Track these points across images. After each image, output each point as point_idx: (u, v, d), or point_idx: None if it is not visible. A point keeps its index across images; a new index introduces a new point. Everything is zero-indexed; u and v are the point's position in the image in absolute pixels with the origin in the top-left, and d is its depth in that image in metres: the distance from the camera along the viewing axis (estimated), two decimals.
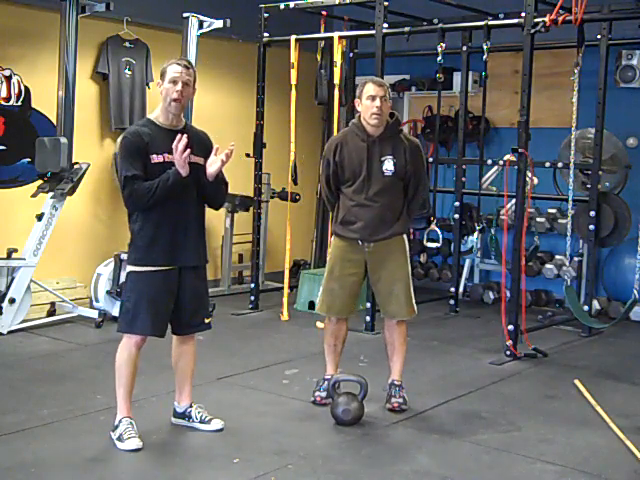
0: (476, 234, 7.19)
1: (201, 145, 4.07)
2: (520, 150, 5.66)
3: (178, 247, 3.98)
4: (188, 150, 3.84)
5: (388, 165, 4.46)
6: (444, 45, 6.40)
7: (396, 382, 4.62)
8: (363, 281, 4.68)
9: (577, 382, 5.20)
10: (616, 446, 4.16)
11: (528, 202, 5.96)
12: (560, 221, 7.29)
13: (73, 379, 5.08)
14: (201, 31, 7.03)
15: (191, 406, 4.25)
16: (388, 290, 4.57)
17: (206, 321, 4.18)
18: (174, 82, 3.91)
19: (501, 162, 6.61)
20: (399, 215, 4.56)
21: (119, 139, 6.87)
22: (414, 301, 4.63)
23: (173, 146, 3.83)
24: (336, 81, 6.84)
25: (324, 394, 4.61)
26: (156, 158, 3.92)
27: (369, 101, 4.40)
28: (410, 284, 4.61)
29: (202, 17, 7.01)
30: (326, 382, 4.63)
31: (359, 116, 4.52)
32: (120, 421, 3.99)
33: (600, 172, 6.48)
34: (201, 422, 4.21)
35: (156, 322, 3.99)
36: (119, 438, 3.93)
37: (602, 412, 4.62)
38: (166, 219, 3.94)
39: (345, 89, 7.36)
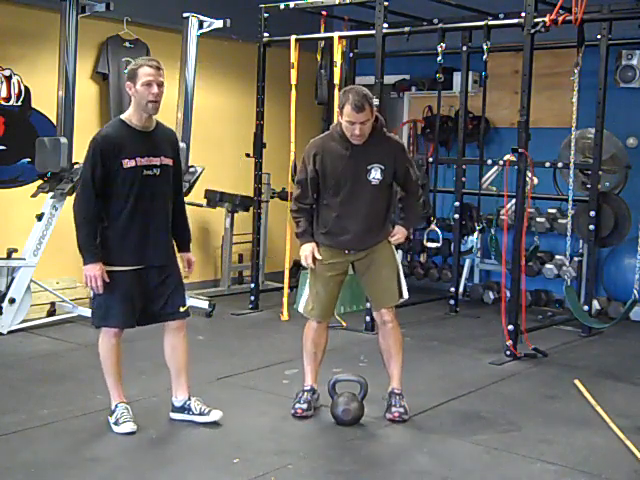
0: (476, 234, 7.18)
1: (171, 145, 4.22)
2: (520, 150, 5.66)
3: (148, 247, 4.11)
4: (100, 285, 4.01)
5: (375, 174, 4.30)
6: (444, 45, 6.40)
7: (396, 390, 4.48)
8: (344, 280, 4.57)
9: (577, 382, 5.20)
10: (616, 446, 4.16)
11: (528, 202, 5.96)
12: (560, 221, 7.28)
13: (73, 379, 5.09)
14: (201, 31, 7.02)
15: (189, 399, 4.33)
16: (377, 276, 4.44)
17: (182, 310, 4.26)
18: (149, 84, 3.99)
19: (501, 162, 6.60)
20: (384, 221, 4.46)
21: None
22: (404, 286, 4.49)
23: (89, 285, 4.03)
24: (336, 81, 6.82)
25: (305, 406, 4.43)
26: (129, 163, 4.02)
27: (349, 124, 4.19)
28: (399, 269, 4.50)
29: (202, 17, 7.01)
30: (306, 393, 4.48)
31: (341, 124, 4.28)
32: (116, 406, 4.16)
33: (600, 172, 6.48)
34: (200, 414, 4.29)
35: (128, 316, 4.13)
36: (115, 422, 4.10)
37: (602, 412, 4.62)
38: (136, 220, 4.06)
39: None
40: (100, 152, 3.97)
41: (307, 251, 4.42)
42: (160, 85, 4.01)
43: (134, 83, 4.01)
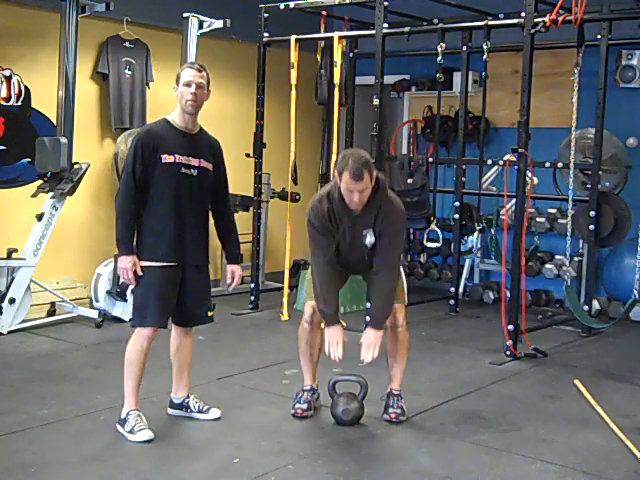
0: (476, 234, 7.20)
1: (212, 151, 4.27)
2: (520, 150, 5.66)
3: (183, 245, 4.14)
4: (132, 277, 4.05)
5: (370, 239, 4.21)
6: (444, 45, 6.41)
7: (395, 391, 4.47)
8: (348, 277, 4.59)
9: (577, 382, 5.20)
10: (616, 446, 4.16)
11: (528, 202, 5.96)
12: (560, 221, 7.29)
13: (73, 379, 5.08)
14: (201, 31, 7.03)
15: (188, 397, 4.37)
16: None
17: (209, 314, 4.37)
18: (188, 85, 4.10)
19: (501, 162, 6.61)
20: None
21: (127, 135, 6.94)
22: (405, 289, 4.50)
23: (123, 277, 4.09)
24: (336, 81, 6.83)
25: (305, 406, 4.43)
26: (167, 158, 4.08)
27: (347, 192, 4.07)
28: (401, 274, 4.50)
29: (202, 17, 7.01)
30: (306, 393, 4.48)
31: (339, 188, 4.12)
32: (128, 414, 4.09)
33: (600, 172, 6.48)
34: (199, 412, 4.33)
35: (163, 314, 4.14)
36: (131, 431, 4.02)
37: (602, 412, 4.62)
38: (172, 217, 4.09)
39: (345, 89, 7.35)
40: (141, 146, 4.06)
41: (337, 337, 4.22)
42: (199, 86, 4.10)
43: (177, 85, 4.13)
